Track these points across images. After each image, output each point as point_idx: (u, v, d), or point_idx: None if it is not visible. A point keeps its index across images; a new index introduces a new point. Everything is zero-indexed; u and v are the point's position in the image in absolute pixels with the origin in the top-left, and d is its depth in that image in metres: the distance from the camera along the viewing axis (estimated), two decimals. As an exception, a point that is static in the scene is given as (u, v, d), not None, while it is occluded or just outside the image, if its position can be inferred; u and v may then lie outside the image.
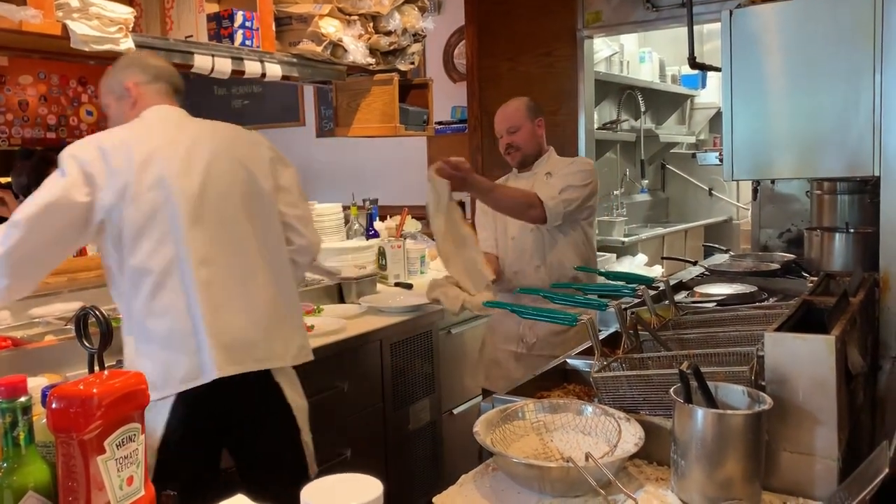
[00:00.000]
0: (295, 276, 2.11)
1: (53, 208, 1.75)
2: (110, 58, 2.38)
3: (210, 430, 1.89)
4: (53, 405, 0.89)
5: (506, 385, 1.78)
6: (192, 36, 2.74)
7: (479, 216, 2.86)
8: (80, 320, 1.05)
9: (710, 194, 5.59)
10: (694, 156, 5.42)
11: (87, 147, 1.83)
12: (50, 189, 1.77)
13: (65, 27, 2.22)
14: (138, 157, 1.81)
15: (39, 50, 2.54)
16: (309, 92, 5.87)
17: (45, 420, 0.92)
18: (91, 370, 0.99)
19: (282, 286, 1.98)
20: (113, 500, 0.91)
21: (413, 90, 3.69)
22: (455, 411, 3.16)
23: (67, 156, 1.81)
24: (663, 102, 5.41)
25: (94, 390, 0.90)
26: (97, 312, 1.05)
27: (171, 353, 1.78)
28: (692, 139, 5.61)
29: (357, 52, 3.08)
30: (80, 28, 2.23)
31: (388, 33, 3.26)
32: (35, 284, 1.87)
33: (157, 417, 1.77)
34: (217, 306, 1.83)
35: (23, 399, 0.93)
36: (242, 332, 1.86)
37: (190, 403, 1.79)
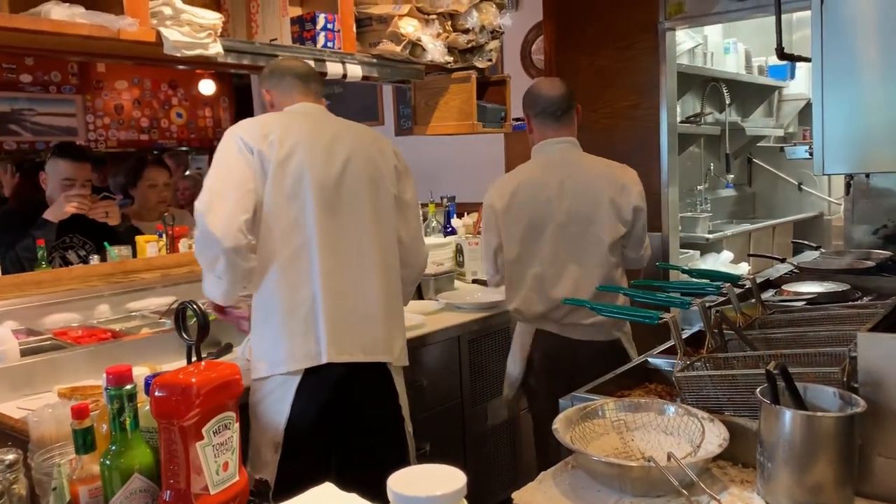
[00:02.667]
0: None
1: (227, 172, 1.90)
2: (199, 62, 2.49)
3: (332, 411, 1.97)
4: (157, 393, 0.95)
5: None
6: (276, 39, 2.82)
7: None
8: (179, 313, 1.11)
9: (800, 189, 5.37)
10: (782, 149, 5.23)
11: (247, 126, 1.96)
12: (220, 161, 1.92)
13: (158, 34, 2.33)
14: (284, 142, 1.92)
15: (134, 56, 2.67)
16: (388, 91, 5.95)
17: (148, 407, 0.98)
18: (189, 361, 1.05)
19: (391, 288, 2.07)
20: (210, 484, 0.96)
21: (491, 87, 3.70)
22: (533, 408, 3.15)
23: (231, 134, 1.95)
24: (749, 94, 5.23)
25: (193, 380, 0.95)
26: (195, 306, 1.11)
27: (291, 334, 1.88)
28: (780, 132, 5.40)
29: (435, 51, 3.11)
30: (172, 35, 2.34)
31: (466, 31, 3.28)
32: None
33: (285, 396, 1.89)
34: (336, 294, 1.93)
35: (129, 387, 0.99)
36: (357, 323, 1.96)
37: (312, 384, 1.90)
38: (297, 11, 2.93)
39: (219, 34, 2.49)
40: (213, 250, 1.84)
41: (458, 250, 3.35)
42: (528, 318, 2.44)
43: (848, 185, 3.10)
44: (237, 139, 1.92)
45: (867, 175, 2.99)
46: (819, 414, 1.15)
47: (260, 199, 1.90)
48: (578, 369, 2.10)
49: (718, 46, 4.78)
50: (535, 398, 2.52)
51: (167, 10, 2.33)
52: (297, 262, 1.91)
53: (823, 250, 2.98)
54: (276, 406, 1.90)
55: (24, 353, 2.06)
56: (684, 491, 1.15)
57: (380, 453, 2.03)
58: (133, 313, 2.53)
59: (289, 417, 1.89)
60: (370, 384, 2.02)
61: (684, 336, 1.53)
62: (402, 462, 2.01)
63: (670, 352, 1.71)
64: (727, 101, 4.77)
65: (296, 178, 1.92)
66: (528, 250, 2.40)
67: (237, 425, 1.02)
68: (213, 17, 2.45)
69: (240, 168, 1.90)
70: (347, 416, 2.01)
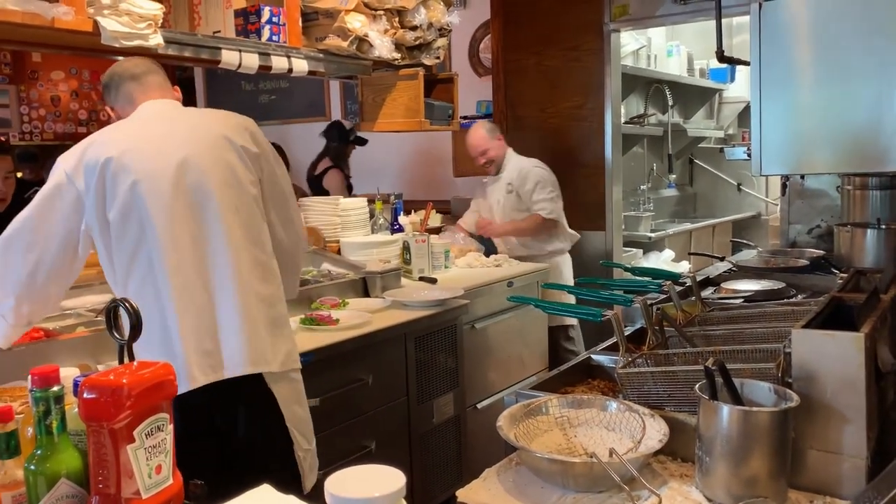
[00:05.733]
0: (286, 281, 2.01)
1: (26, 222, 1.77)
2: (139, 54, 2.42)
3: (206, 433, 1.81)
4: (85, 394, 0.91)
5: None
6: (219, 31, 2.76)
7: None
8: (111, 312, 1.07)
9: (739, 189, 5.52)
10: (722, 150, 5.37)
11: (70, 153, 1.80)
12: (29, 205, 1.78)
13: (96, 23, 2.25)
14: (110, 156, 1.75)
15: (71, 46, 2.58)
16: (335, 87, 5.90)
17: (76, 409, 0.94)
18: (121, 361, 1.01)
19: (267, 288, 1.87)
20: (142, 488, 0.93)
21: (438, 85, 3.69)
22: (479, 406, 3.17)
23: (55, 164, 1.80)
24: (691, 96, 5.36)
25: (124, 380, 0.91)
26: (127, 304, 1.07)
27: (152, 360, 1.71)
28: (720, 134, 5.55)
29: (382, 46, 3.09)
30: (110, 24, 2.27)
31: (414, 28, 3.27)
32: (49, 302, 1.87)
33: None
34: (193, 312, 1.75)
35: (55, 388, 0.95)
36: (222, 338, 1.77)
37: (180, 407, 1.71)
38: (241, 3, 2.86)
39: (159, 25, 2.42)
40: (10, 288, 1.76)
41: (406, 248, 3.33)
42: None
43: (784, 186, 3.20)
44: (62, 173, 1.77)
45: (802, 176, 3.09)
46: (755, 409, 1.17)
47: (99, 224, 1.75)
48: None
49: (662, 49, 4.87)
50: None
51: (105, -1, 2.25)
52: (146, 283, 1.73)
53: (761, 249, 3.07)
54: None
55: (-50, 353, 1.96)
56: (625, 486, 1.17)
57: (265, 474, 1.73)
58: (68, 311, 2.44)
59: None
60: (248, 398, 1.83)
61: (627, 333, 1.55)
62: (295, 485, 1.86)
63: (613, 348, 1.73)
64: (670, 103, 4.87)
65: (129, 195, 1.73)
66: None
67: (171, 427, 0.99)
68: (153, 8, 2.38)
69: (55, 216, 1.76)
70: (224, 437, 1.83)
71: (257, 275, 1.85)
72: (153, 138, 1.82)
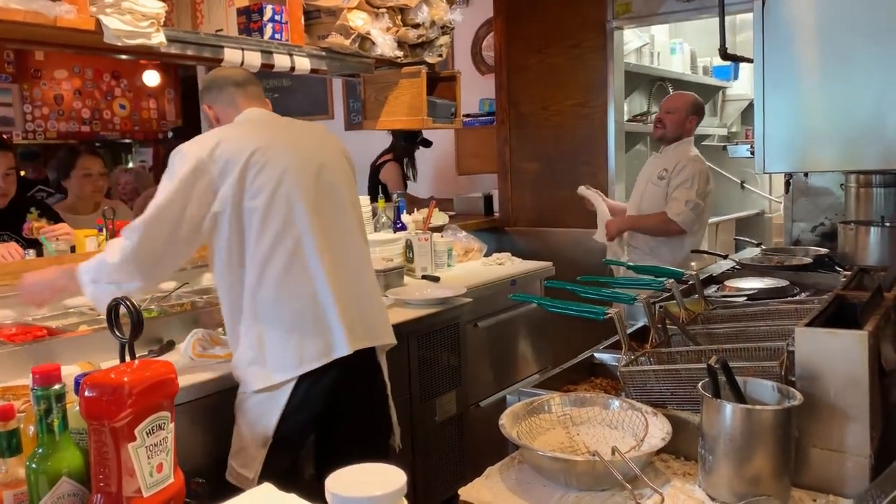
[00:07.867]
0: None
1: (168, 207, 1.85)
2: (143, 52, 2.42)
3: (326, 410, 1.98)
4: (86, 393, 0.91)
5: None
6: (222, 30, 2.76)
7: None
8: (112, 310, 1.07)
9: (742, 187, 5.51)
10: (725, 148, 5.35)
11: (199, 143, 1.91)
12: (165, 189, 1.86)
13: (98, 22, 2.25)
14: (253, 150, 1.90)
15: (74, 45, 2.58)
16: (337, 85, 5.89)
17: (78, 407, 0.94)
18: (122, 359, 1.01)
19: (374, 274, 2.19)
20: (143, 487, 0.93)
21: (441, 83, 3.69)
22: (481, 404, 3.16)
23: (179, 154, 1.89)
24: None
25: (125, 379, 0.91)
26: (128, 303, 1.07)
27: (300, 336, 1.89)
28: (724, 131, 5.53)
29: (385, 44, 3.09)
30: (113, 23, 2.27)
31: (416, 26, 3.26)
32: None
33: (273, 405, 1.87)
34: (341, 287, 1.96)
35: (57, 387, 0.95)
36: (361, 312, 2.02)
37: (310, 386, 1.91)
38: (243, 2, 2.86)
39: (162, 23, 2.42)
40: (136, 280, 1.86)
41: (408, 246, 3.33)
42: None
43: (788, 184, 3.19)
44: (190, 159, 1.87)
45: (806, 174, 3.08)
46: (758, 407, 1.17)
47: (236, 210, 1.88)
48: None
49: (665, 46, 4.86)
50: None
51: (107, -3, 2.25)
52: (296, 262, 1.92)
53: (764, 247, 3.06)
54: (269, 403, 1.88)
55: (-47, 351, 1.97)
56: (628, 485, 1.16)
57: (364, 439, 2.06)
58: (71, 310, 2.45)
59: (282, 415, 1.88)
60: (362, 372, 2.05)
61: (629, 331, 1.55)
62: (384, 446, 2.14)
63: (616, 347, 1.72)
64: (673, 101, 4.84)
65: (276, 183, 1.91)
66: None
67: (172, 425, 0.99)
68: (155, 6, 2.38)
69: (185, 206, 1.86)
70: (340, 406, 2.03)
71: (370, 261, 2.18)
72: (286, 139, 2.03)
